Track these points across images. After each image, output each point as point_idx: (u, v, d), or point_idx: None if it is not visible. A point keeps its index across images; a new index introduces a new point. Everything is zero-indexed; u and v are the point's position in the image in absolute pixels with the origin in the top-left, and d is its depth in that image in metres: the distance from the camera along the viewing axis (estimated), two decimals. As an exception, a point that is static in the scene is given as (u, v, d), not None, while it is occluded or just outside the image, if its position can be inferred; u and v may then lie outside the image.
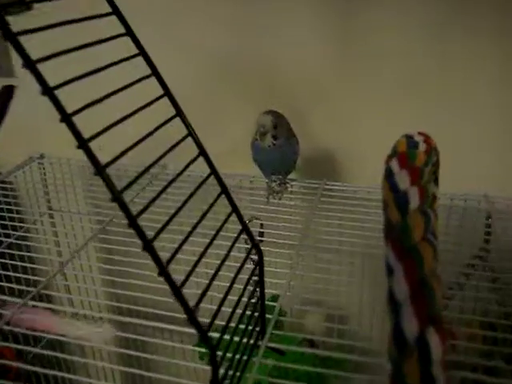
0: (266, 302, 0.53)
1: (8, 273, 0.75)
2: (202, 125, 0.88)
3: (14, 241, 0.81)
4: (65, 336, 0.68)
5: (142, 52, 0.40)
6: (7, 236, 0.82)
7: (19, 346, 0.66)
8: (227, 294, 0.42)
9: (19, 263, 0.75)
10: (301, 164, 0.89)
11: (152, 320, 0.60)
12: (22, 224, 0.86)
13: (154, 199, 0.35)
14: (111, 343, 0.74)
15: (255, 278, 0.50)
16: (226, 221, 0.45)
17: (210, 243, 0.40)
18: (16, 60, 1.03)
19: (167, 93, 0.42)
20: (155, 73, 0.41)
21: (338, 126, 0.89)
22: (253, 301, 0.51)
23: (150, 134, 0.37)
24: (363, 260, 0.69)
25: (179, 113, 0.42)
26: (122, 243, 0.71)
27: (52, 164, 0.95)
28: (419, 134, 0.40)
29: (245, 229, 0.48)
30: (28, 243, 0.87)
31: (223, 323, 0.42)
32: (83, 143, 0.30)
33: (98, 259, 0.80)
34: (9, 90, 0.82)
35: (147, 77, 0.40)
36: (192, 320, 0.35)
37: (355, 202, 0.76)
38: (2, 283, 0.73)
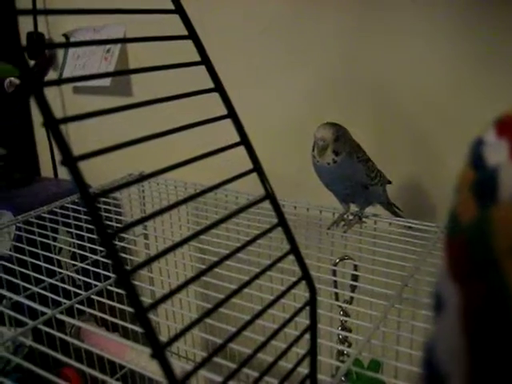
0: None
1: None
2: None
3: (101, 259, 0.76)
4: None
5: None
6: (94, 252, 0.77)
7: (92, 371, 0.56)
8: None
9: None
10: (413, 200, 0.74)
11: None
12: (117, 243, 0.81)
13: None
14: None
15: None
16: (279, 260, 0.35)
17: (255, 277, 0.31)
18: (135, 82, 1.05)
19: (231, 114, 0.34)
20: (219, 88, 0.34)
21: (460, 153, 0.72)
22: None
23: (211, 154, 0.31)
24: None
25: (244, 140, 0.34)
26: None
27: (150, 183, 0.91)
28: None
29: (306, 277, 0.36)
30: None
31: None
32: (70, 160, 0.24)
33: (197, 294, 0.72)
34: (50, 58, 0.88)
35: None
36: None
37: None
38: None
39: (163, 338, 0.27)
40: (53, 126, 0.26)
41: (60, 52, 1.17)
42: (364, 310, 0.53)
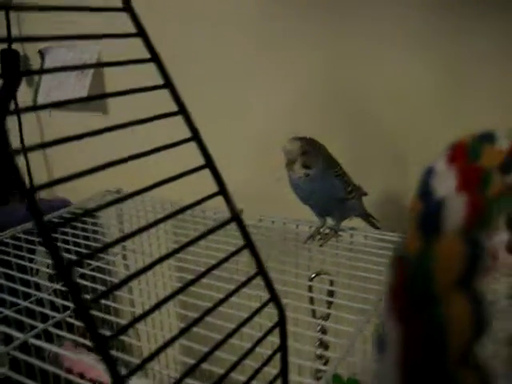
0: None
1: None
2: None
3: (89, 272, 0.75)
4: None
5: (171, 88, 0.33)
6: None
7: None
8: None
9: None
10: (391, 212, 0.74)
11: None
12: (91, 262, 0.79)
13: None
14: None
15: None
16: (245, 283, 0.35)
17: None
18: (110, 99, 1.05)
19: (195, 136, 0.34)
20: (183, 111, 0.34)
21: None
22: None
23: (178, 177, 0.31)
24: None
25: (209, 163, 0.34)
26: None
27: (128, 200, 0.90)
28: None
29: (273, 299, 0.36)
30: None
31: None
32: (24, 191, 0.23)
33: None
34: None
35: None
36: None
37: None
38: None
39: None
40: (7, 157, 0.25)
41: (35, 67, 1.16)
42: (339, 327, 0.53)
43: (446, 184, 0.19)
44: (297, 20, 0.82)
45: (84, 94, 1.02)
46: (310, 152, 0.64)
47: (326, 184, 0.66)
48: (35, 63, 1.19)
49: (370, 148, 0.81)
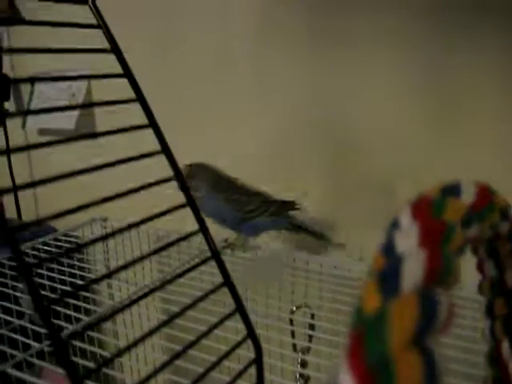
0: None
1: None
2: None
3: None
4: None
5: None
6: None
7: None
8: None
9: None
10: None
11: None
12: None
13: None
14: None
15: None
16: (224, 320, 0.36)
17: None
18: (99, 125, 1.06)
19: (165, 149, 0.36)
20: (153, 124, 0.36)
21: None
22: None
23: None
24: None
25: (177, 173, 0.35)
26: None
27: (114, 228, 0.90)
28: (477, 184, 0.25)
29: (250, 335, 0.37)
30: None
31: None
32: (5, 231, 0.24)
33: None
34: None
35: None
36: None
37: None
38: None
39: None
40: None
41: (25, 95, 1.17)
42: (320, 361, 0.53)
43: (408, 239, 0.20)
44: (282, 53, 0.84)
45: (74, 115, 1.03)
46: (197, 177, 0.73)
47: (211, 206, 0.75)
48: (26, 89, 1.20)
49: (353, 177, 0.82)
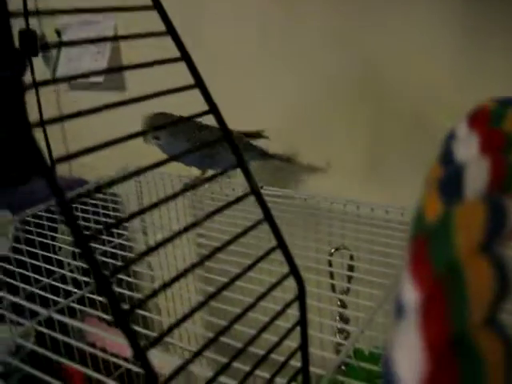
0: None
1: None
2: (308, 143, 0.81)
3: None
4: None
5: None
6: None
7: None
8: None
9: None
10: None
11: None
12: (111, 238, 0.79)
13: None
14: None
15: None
16: (265, 256, 0.35)
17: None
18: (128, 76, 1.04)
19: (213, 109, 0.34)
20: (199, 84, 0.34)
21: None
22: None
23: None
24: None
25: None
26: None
27: (147, 177, 0.90)
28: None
29: (293, 272, 0.36)
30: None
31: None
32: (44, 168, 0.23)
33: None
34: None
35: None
36: None
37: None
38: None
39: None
40: (26, 131, 0.25)
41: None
42: (359, 301, 0.53)
43: (468, 148, 0.18)
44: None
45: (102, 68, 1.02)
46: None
47: (173, 150, 0.77)
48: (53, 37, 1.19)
49: (390, 114, 0.79)
